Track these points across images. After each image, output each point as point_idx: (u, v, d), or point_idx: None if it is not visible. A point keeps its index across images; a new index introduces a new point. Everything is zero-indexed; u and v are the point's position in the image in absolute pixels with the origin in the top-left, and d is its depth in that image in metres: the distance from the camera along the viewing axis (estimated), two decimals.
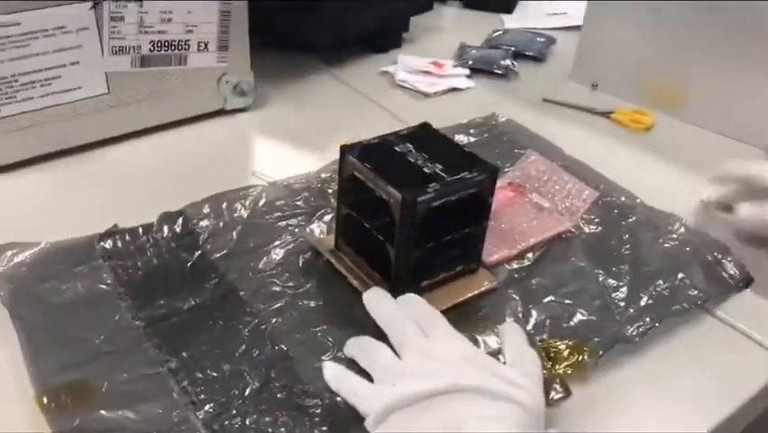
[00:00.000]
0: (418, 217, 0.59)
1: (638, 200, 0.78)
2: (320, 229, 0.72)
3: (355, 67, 1.04)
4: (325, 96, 0.98)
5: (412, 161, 0.63)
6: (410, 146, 0.65)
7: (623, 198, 0.79)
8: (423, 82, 1.00)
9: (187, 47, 0.83)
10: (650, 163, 0.88)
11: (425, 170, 0.62)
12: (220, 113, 0.90)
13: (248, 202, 0.74)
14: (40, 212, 0.73)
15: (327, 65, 1.04)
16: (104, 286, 0.63)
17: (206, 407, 0.53)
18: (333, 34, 1.01)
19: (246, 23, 0.86)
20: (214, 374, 0.56)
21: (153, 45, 0.80)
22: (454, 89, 1.00)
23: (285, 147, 0.88)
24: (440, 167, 0.62)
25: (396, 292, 0.62)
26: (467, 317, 0.63)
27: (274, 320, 0.61)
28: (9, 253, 0.64)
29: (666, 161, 0.88)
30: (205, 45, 0.84)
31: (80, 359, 0.56)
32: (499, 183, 0.77)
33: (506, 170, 0.82)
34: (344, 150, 0.64)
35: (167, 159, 0.83)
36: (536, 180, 0.79)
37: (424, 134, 0.67)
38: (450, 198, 0.60)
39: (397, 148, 0.64)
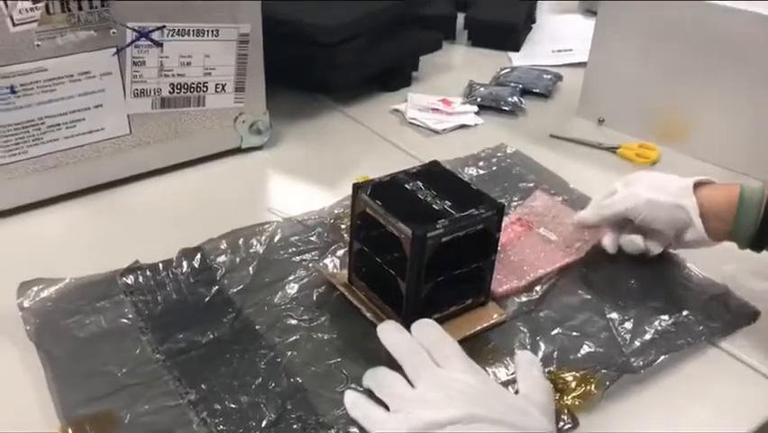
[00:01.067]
0: (428, 252, 0.61)
1: None
2: (333, 264, 0.74)
3: (366, 105, 1.08)
4: (338, 133, 1.01)
5: (422, 198, 0.65)
6: (420, 183, 0.67)
7: None
8: (432, 119, 1.03)
9: (205, 89, 0.86)
10: None
11: (435, 206, 0.64)
12: (236, 151, 0.93)
13: (264, 238, 0.77)
14: (64, 248, 0.76)
15: (339, 104, 1.07)
16: (125, 320, 0.66)
17: None
18: (349, 76, 1.05)
19: (262, 65, 0.89)
20: (232, 406, 0.58)
21: (173, 87, 0.84)
22: (463, 126, 1.03)
23: (299, 184, 0.91)
24: (448, 204, 0.64)
25: (408, 325, 0.64)
26: (476, 350, 0.65)
27: (289, 353, 0.63)
28: (35, 288, 0.67)
29: None
30: (223, 87, 0.88)
31: (104, 391, 0.58)
32: (508, 219, 0.80)
33: (514, 204, 0.84)
34: (357, 187, 0.66)
35: (186, 196, 0.85)
36: (543, 217, 0.81)
37: (433, 172, 0.70)
38: (458, 234, 0.63)
39: (407, 185, 0.67)
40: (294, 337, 0.65)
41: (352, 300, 0.68)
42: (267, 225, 0.78)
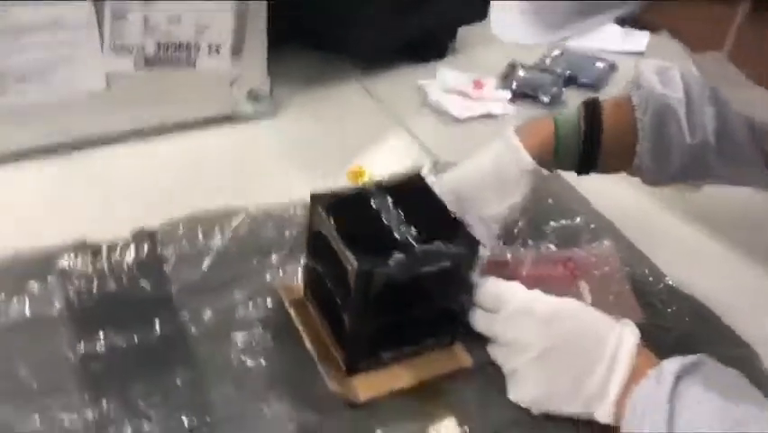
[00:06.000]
0: (374, 289, 0.53)
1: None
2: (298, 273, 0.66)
3: (389, 77, 0.97)
4: (348, 109, 0.91)
5: (384, 221, 0.56)
6: (389, 202, 0.58)
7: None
8: (456, 104, 0.91)
9: (196, 49, 0.78)
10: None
11: (395, 234, 0.55)
12: (230, 119, 0.85)
13: (227, 229, 0.69)
14: (15, 210, 0.70)
15: (358, 72, 0.96)
16: (51, 309, 0.60)
17: None
18: (375, 45, 0.94)
19: (264, 26, 0.80)
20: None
21: (159, 46, 0.76)
22: (489, 115, 0.91)
23: (289, 166, 0.81)
24: (414, 232, 0.55)
25: (351, 361, 0.57)
26: (426, 400, 0.56)
27: (213, 375, 0.56)
28: None
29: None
30: (217, 48, 0.79)
31: (4, 392, 0.53)
32: (556, 253, 0.70)
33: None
34: (315, 199, 0.58)
35: (162, 165, 0.79)
36: (592, 270, 0.68)
37: (409, 189, 0.60)
38: (417, 271, 0.54)
39: (373, 202, 0.58)
40: (223, 356, 0.58)
41: (297, 324, 0.60)
42: (237, 214, 0.71)
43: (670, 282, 0.69)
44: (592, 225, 0.75)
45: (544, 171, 0.62)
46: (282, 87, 0.88)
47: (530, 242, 0.72)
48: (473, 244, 0.55)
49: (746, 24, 0.37)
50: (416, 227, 0.55)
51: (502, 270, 0.67)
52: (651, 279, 0.70)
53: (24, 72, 0.71)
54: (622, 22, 0.42)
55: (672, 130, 0.61)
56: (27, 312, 0.60)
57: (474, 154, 0.65)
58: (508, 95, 0.94)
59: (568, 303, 0.56)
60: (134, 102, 0.78)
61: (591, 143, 0.61)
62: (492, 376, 0.58)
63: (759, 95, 0.42)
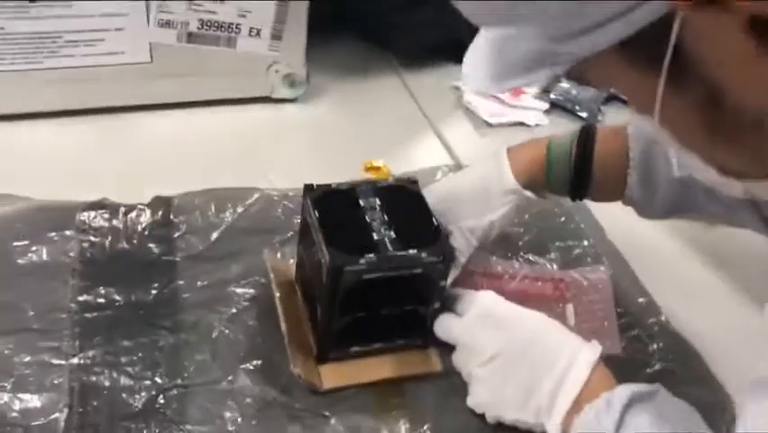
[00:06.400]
0: (344, 285, 0.55)
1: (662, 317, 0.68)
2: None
3: (429, 75, 0.98)
4: (383, 104, 0.93)
5: (368, 220, 0.58)
6: (377, 202, 0.60)
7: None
8: (489, 109, 0.91)
9: (237, 30, 0.82)
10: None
11: (375, 235, 0.57)
12: (267, 99, 0.89)
13: (240, 206, 0.73)
14: (51, 166, 0.76)
15: (399, 65, 0.98)
16: (66, 259, 0.66)
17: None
18: (419, 42, 0.95)
19: (305, 14, 0.83)
20: (107, 384, 0.56)
21: (202, 24, 0.80)
22: (522, 124, 0.91)
23: (316, 152, 0.84)
24: (393, 236, 0.57)
25: (320, 350, 0.60)
26: (386, 398, 0.59)
27: (194, 342, 0.60)
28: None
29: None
30: (258, 32, 0.82)
31: (6, 329, 0.59)
32: (548, 272, 0.70)
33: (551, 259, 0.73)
34: (307, 190, 0.60)
35: (195, 137, 0.83)
36: (582, 295, 0.69)
37: (401, 192, 0.62)
38: (388, 274, 0.56)
39: (361, 201, 0.60)
40: (207, 325, 0.62)
41: (278, 306, 0.63)
42: (252, 193, 0.74)
43: (663, 318, 0.68)
44: (598, 250, 0.75)
45: (527, 193, 0.62)
46: (321, 75, 0.90)
47: (531, 257, 0.73)
48: (448, 254, 0.57)
49: (669, 93, 0.37)
50: (396, 231, 0.57)
51: (491, 282, 0.68)
52: (645, 312, 0.69)
53: (76, 38, 0.77)
54: (576, 80, 0.42)
55: (660, 163, 0.60)
56: (45, 258, 0.66)
57: (468, 167, 0.66)
58: (546, 105, 0.94)
59: (531, 313, 0.57)
60: (174, 75, 0.83)
61: (582, 169, 0.62)
62: (456, 384, 0.59)
63: (695, 159, 0.41)
